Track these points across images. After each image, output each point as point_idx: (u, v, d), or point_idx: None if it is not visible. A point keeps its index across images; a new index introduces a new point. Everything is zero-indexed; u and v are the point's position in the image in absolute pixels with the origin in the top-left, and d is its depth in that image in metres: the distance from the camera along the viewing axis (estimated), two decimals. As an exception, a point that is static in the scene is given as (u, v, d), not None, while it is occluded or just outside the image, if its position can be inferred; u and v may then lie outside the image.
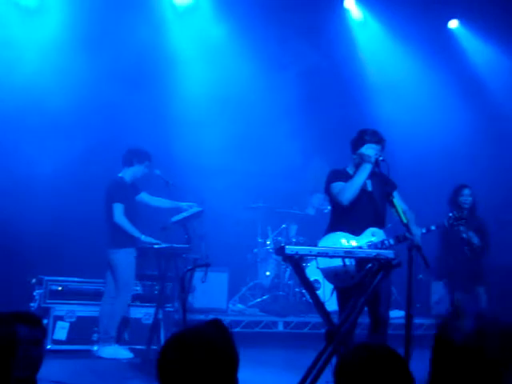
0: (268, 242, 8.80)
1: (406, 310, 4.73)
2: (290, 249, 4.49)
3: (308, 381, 4.57)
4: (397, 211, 4.82)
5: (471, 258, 6.86)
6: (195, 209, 6.66)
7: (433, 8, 9.58)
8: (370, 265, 4.67)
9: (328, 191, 5.14)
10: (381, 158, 5.00)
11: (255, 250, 8.85)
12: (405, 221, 4.76)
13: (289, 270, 8.26)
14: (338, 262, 4.80)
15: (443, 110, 9.80)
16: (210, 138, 8.72)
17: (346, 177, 5.10)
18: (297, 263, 4.53)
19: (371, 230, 5.02)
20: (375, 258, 4.63)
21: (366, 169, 5.00)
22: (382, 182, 5.12)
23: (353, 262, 4.80)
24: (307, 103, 9.46)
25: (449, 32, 10.26)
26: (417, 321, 8.35)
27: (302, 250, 4.55)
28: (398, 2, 9.47)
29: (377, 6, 9.88)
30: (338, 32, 9.88)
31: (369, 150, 5.05)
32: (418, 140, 9.47)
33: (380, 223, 5.09)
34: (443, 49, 10.03)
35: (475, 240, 6.88)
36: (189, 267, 5.56)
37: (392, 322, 7.88)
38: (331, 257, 4.68)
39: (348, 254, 4.63)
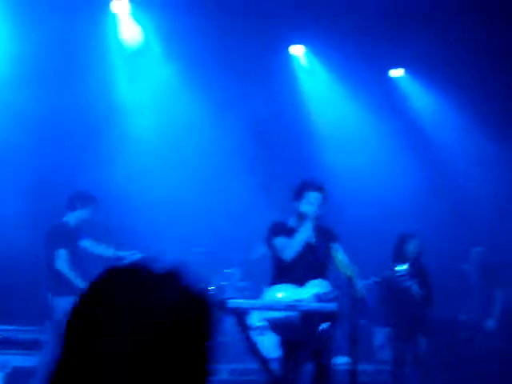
0: (212, 288, 8.70)
1: (351, 360, 4.75)
2: (233, 302, 4.47)
3: None
4: (339, 264, 4.87)
5: (413, 307, 6.82)
6: (137, 256, 6.57)
7: (379, 56, 9.83)
8: (313, 315, 4.72)
9: (270, 245, 5.16)
10: (319, 213, 5.09)
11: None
12: (348, 273, 4.80)
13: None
14: (280, 314, 4.79)
15: (389, 160, 9.98)
16: (155, 184, 8.67)
17: (287, 230, 5.14)
18: (239, 317, 4.50)
19: (315, 281, 5.07)
20: (318, 311, 4.65)
21: (308, 227, 5.08)
22: (324, 235, 5.21)
23: (296, 314, 4.81)
24: (256, 146, 9.54)
25: (394, 81, 10.55)
26: (360, 367, 8.38)
27: (245, 303, 4.54)
28: (344, 50, 9.68)
29: (323, 53, 10.08)
30: (285, 77, 10.04)
31: (308, 206, 5.10)
32: (364, 189, 9.63)
33: (323, 275, 5.15)
34: (389, 98, 10.29)
35: (418, 290, 6.85)
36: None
37: (336, 368, 7.96)
38: (274, 310, 4.68)
39: (291, 307, 4.63)
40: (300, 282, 5.04)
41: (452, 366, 7.40)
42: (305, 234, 5.06)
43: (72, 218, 6.61)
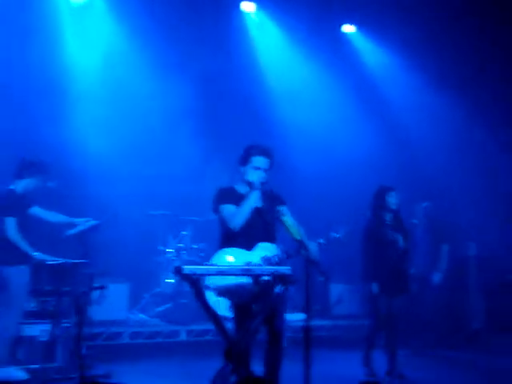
0: (169, 250, 8.71)
1: (306, 317, 4.81)
2: (188, 269, 4.46)
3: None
4: (288, 228, 4.86)
5: (398, 261, 6.70)
6: (92, 222, 6.48)
7: (330, 12, 9.77)
8: (266, 279, 4.72)
9: (217, 211, 5.12)
10: (261, 176, 5.05)
11: (156, 258, 8.74)
12: (298, 237, 4.81)
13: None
14: (232, 279, 4.80)
15: (341, 115, 9.99)
16: (110, 143, 8.54)
17: (234, 197, 5.09)
18: (195, 283, 4.50)
19: (263, 244, 5.06)
20: (273, 275, 4.67)
21: (254, 195, 5.04)
22: (271, 199, 5.19)
23: (249, 278, 4.82)
24: (206, 106, 9.45)
25: (345, 36, 10.49)
26: (317, 322, 8.57)
27: (200, 269, 4.53)
28: (295, 5, 9.58)
29: (275, 9, 9.95)
30: (235, 34, 9.90)
31: (254, 172, 5.08)
32: (315, 146, 9.65)
33: (271, 238, 5.14)
34: (340, 53, 10.25)
35: (401, 243, 6.73)
36: (84, 289, 5.41)
37: (292, 324, 8.09)
38: (229, 274, 4.69)
39: (246, 271, 4.64)
40: (248, 245, 5.02)
41: (403, 318, 7.57)
42: (251, 202, 5.02)
43: (19, 185, 6.44)
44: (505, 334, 8.41)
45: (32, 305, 6.74)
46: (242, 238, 5.00)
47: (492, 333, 8.88)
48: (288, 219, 4.94)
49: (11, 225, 6.24)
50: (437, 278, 8.17)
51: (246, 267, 4.73)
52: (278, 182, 5.53)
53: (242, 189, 5.15)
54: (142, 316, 8.31)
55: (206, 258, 8.44)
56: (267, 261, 5.03)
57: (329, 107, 10.01)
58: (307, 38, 9.90)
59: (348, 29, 10.42)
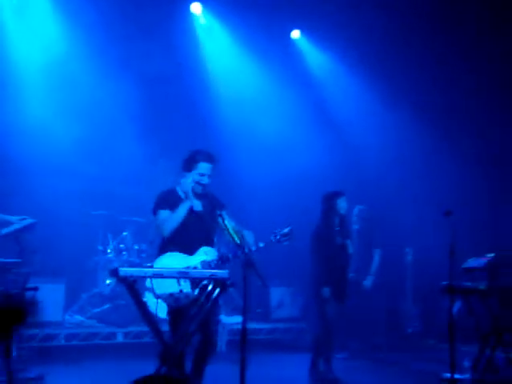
0: (109, 250, 8.60)
1: (243, 321, 4.81)
2: (124, 271, 4.41)
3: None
4: (228, 231, 4.88)
5: (346, 266, 6.80)
6: (28, 220, 6.33)
7: (277, 17, 9.81)
8: (204, 282, 4.72)
9: (154, 215, 5.15)
10: (203, 182, 5.15)
11: (95, 258, 8.61)
12: (238, 241, 4.82)
13: (130, 279, 8.11)
14: (173, 285, 4.78)
15: (289, 122, 10.02)
16: (51, 141, 8.38)
17: (174, 200, 5.13)
18: (131, 285, 4.45)
19: (204, 249, 5.11)
20: (210, 278, 4.67)
21: (185, 206, 5.10)
22: (212, 203, 5.25)
23: (187, 282, 4.81)
24: (152, 108, 9.36)
25: (292, 42, 10.55)
26: (257, 326, 8.61)
27: (137, 271, 4.49)
28: (244, 10, 9.58)
29: (223, 13, 9.93)
30: (184, 36, 9.83)
31: (198, 177, 5.14)
32: (263, 150, 9.67)
33: (211, 242, 5.20)
34: (287, 58, 10.29)
35: (351, 249, 6.82)
36: (14, 291, 5.26)
37: (231, 327, 8.10)
38: (166, 277, 4.66)
39: (183, 274, 4.63)
40: (189, 249, 5.05)
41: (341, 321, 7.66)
42: (182, 212, 5.07)
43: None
44: (439, 337, 8.61)
45: (-37, 305, 6.54)
46: (183, 242, 5.03)
47: (427, 337, 9.09)
48: (228, 223, 4.94)
49: None
50: (368, 281, 8.28)
51: (184, 270, 4.71)
52: (223, 188, 5.58)
53: (183, 193, 5.18)
54: (78, 317, 8.16)
55: (146, 259, 8.38)
56: (206, 265, 5.05)
57: (277, 113, 10.03)
58: (256, 42, 9.92)
59: (296, 34, 10.48)
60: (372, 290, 8.28)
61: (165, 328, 4.83)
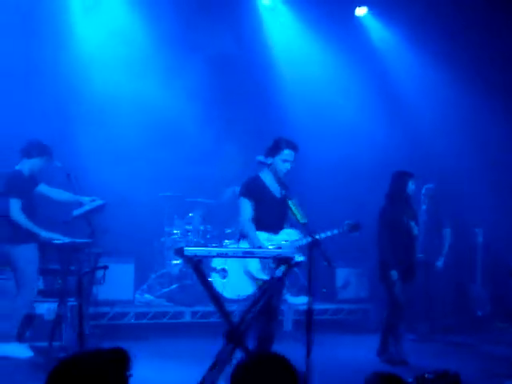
0: (175, 231, 8.75)
1: (308, 302, 4.84)
2: (189, 250, 4.48)
3: (209, 381, 4.60)
4: (293, 212, 5.08)
5: (412, 248, 6.75)
6: (98, 202, 6.51)
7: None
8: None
9: (238, 199, 5.62)
10: (286, 168, 5.56)
11: (162, 239, 8.78)
12: (303, 221, 4.84)
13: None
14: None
15: (354, 100, 9.88)
16: (119, 124, 8.55)
17: (258, 188, 5.52)
18: (195, 264, 4.53)
19: (286, 230, 5.55)
20: (275, 257, 4.71)
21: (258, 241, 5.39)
22: (287, 189, 5.59)
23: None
24: (218, 89, 9.40)
25: (357, 19, 10.37)
26: (322, 306, 8.60)
27: (201, 251, 4.56)
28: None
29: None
30: (247, 17, 9.81)
31: (282, 163, 5.54)
32: (327, 130, 9.58)
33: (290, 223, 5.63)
34: (351, 36, 10.12)
35: (416, 230, 6.77)
36: (86, 269, 5.45)
37: (299, 308, 8.13)
38: (231, 257, 4.73)
39: (247, 254, 4.68)
40: (272, 230, 5.48)
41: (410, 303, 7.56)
42: (256, 242, 5.37)
43: (26, 165, 6.50)
44: (509, 320, 8.40)
45: (39, 283, 6.83)
46: (266, 224, 5.46)
47: (497, 320, 8.87)
48: (292, 204, 5.04)
49: (15, 206, 6.31)
50: (440, 262, 8.12)
51: (248, 249, 4.78)
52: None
53: (266, 178, 5.60)
54: (147, 296, 8.37)
55: (211, 240, 8.49)
56: (289, 245, 5.40)
57: (341, 92, 9.90)
58: (320, 21, 9.79)
59: (360, 11, 10.29)
60: (441, 271, 8.13)
61: (230, 307, 4.90)
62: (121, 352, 2.24)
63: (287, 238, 5.51)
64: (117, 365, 2.18)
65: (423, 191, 8.21)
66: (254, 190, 5.54)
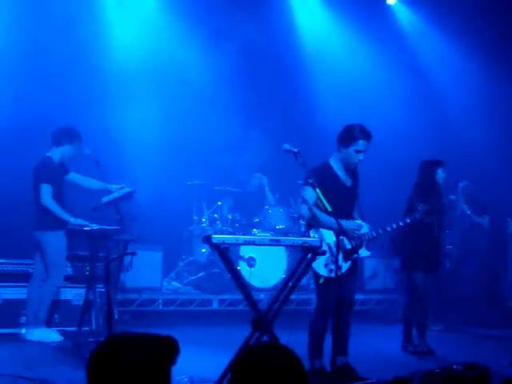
0: (203, 219, 8.77)
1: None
2: (217, 238, 4.48)
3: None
4: (321, 200, 4.89)
5: (430, 243, 6.59)
6: (126, 189, 6.55)
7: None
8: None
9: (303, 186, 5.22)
10: (360, 158, 5.27)
11: (191, 228, 8.81)
12: (330, 209, 4.77)
13: (224, 248, 8.27)
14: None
15: (381, 88, 9.78)
16: (147, 112, 8.58)
17: (327, 176, 5.21)
18: (223, 252, 4.53)
19: (357, 222, 5.31)
20: (302, 246, 4.68)
21: (334, 224, 4.98)
22: (356, 178, 5.48)
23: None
24: (245, 76, 9.37)
25: (387, 8, 10.25)
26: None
27: (229, 238, 4.55)
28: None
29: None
30: (276, 5, 9.77)
31: (355, 154, 5.23)
32: (353, 120, 9.45)
33: (353, 212, 5.42)
34: (382, 25, 10.02)
35: (435, 228, 6.58)
36: (114, 256, 5.49)
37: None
38: (258, 244, 4.72)
39: (274, 242, 4.66)
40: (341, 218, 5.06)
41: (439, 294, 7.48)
42: (328, 223, 5.04)
43: (57, 152, 6.56)
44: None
45: (68, 269, 6.91)
46: (336, 213, 5.03)
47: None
48: (319, 192, 4.89)
49: (46, 191, 6.38)
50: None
51: (275, 237, 4.75)
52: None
53: (337, 167, 5.32)
54: (175, 284, 8.42)
55: (240, 228, 8.49)
56: (358, 238, 5.23)
57: (371, 81, 9.79)
58: (350, 9, 9.71)
59: (392, 0, 10.18)
60: (472, 262, 8.04)
61: (254, 296, 4.89)
62: (170, 341, 2.10)
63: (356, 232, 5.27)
64: (163, 356, 2.06)
65: (459, 189, 8.11)
66: (320, 176, 5.13)
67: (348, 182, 5.37)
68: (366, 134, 5.24)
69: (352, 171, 5.41)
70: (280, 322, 4.89)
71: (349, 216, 5.27)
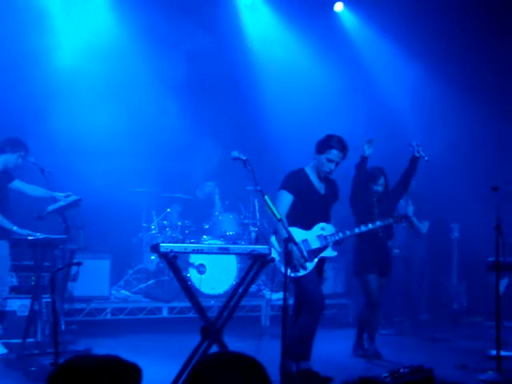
0: (153, 227, 8.70)
1: (284, 298, 4.84)
2: (165, 246, 4.45)
3: (184, 376, 4.58)
4: (269, 207, 4.84)
5: (387, 242, 6.66)
6: (73, 197, 6.45)
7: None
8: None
9: (279, 191, 5.46)
10: (330, 168, 5.48)
11: (140, 235, 8.73)
12: (279, 216, 4.78)
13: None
14: None
15: (329, 95, 9.87)
16: (94, 119, 8.45)
17: (301, 181, 5.45)
18: (171, 260, 4.49)
19: (321, 224, 5.48)
20: (250, 253, 4.68)
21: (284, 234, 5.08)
22: (332, 189, 5.67)
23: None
24: (197, 84, 9.35)
25: (335, 15, 10.37)
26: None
27: (177, 247, 4.53)
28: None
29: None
30: (224, 12, 9.77)
31: (327, 163, 5.45)
32: (303, 125, 9.54)
33: (328, 219, 5.60)
34: (329, 32, 10.12)
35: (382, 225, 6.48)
36: (59, 266, 5.40)
37: (276, 303, 8.11)
38: (206, 253, 4.70)
39: (223, 250, 4.66)
40: (307, 226, 5.42)
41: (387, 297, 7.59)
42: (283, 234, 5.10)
43: (0, 160, 6.41)
44: (485, 315, 8.47)
45: (12, 280, 6.75)
46: (303, 219, 5.38)
47: (472, 313, 8.94)
48: (268, 199, 4.90)
49: None
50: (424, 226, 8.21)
51: (224, 246, 4.75)
52: (259, 162, 5.57)
53: (312, 174, 5.53)
54: (124, 292, 8.31)
55: (190, 235, 8.45)
56: (323, 238, 5.45)
57: (318, 87, 9.87)
58: (299, 17, 9.79)
59: (339, 7, 10.30)
60: (418, 266, 8.19)
61: (204, 303, 4.87)
62: (135, 370, 1.98)
63: (322, 233, 5.47)
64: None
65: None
66: (295, 185, 5.43)
67: (322, 189, 5.56)
68: (342, 146, 5.43)
69: (329, 181, 5.60)
70: (230, 328, 4.90)
71: (319, 219, 5.49)
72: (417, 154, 6.36)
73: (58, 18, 8.78)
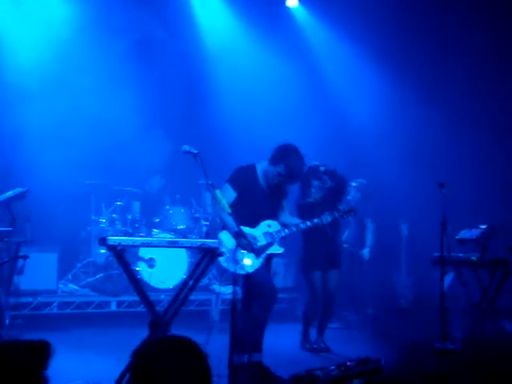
0: (103, 220, 8.58)
1: (233, 292, 4.87)
2: (113, 240, 4.40)
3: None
4: (220, 202, 4.85)
5: (334, 237, 6.68)
6: (19, 189, 6.32)
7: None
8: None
9: (224, 184, 5.48)
10: (279, 180, 5.56)
11: (89, 228, 8.60)
12: (229, 211, 4.78)
13: (123, 249, 8.11)
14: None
15: (282, 89, 9.89)
16: (42, 109, 8.28)
17: (248, 178, 5.50)
18: (119, 254, 4.44)
19: (267, 222, 5.55)
20: (200, 247, 4.67)
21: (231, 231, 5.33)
22: (280, 188, 5.69)
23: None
24: (146, 74, 9.25)
25: (288, 10, 10.39)
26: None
27: (125, 240, 4.49)
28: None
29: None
30: (178, 4, 9.69)
31: (276, 176, 5.50)
32: (255, 118, 9.56)
33: (274, 216, 5.62)
34: (282, 26, 10.14)
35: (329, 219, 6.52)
36: (5, 259, 5.27)
37: (226, 297, 8.11)
38: (155, 246, 4.68)
39: (172, 243, 4.63)
40: (252, 223, 5.47)
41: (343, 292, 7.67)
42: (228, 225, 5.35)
43: None
44: (431, 309, 8.64)
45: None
46: (249, 217, 5.43)
47: (419, 308, 9.11)
48: (219, 193, 4.90)
49: None
50: (366, 252, 8.29)
51: (173, 239, 4.74)
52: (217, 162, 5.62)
53: (260, 172, 5.56)
54: (72, 286, 8.19)
55: (140, 229, 8.37)
56: (269, 235, 5.51)
57: (272, 85, 9.88)
58: (251, 10, 9.77)
59: (292, 2, 10.32)
60: (367, 261, 8.30)
61: (154, 297, 4.84)
62: (41, 346, 2.10)
63: (267, 230, 5.54)
64: (34, 359, 2.05)
65: (354, 184, 8.28)
66: (242, 182, 5.49)
67: (265, 189, 5.60)
68: (298, 169, 5.53)
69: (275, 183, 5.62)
70: (179, 322, 4.87)
71: (265, 216, 5.54)
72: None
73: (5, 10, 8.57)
